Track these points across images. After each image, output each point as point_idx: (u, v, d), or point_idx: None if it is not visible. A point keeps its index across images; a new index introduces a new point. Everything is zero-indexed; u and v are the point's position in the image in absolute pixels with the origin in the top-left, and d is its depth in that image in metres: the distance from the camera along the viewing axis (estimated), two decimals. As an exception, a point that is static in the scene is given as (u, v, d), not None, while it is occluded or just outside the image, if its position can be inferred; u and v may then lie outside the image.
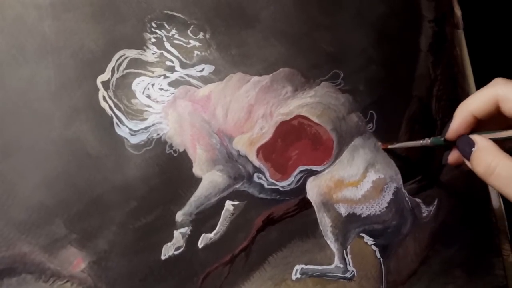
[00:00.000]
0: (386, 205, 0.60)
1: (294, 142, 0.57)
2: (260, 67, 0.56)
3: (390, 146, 0.60)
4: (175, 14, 0.53)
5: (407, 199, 0.62)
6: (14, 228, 0.45)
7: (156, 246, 0.50)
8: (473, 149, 0.45)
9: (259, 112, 0.56)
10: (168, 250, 0.50)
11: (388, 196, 0.61)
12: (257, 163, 0.55)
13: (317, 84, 0.59)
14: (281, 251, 0.55)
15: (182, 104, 0.53)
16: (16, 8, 0.47)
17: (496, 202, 0.67)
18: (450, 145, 0.51)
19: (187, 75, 0.53)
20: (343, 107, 0.60)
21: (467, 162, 0.46)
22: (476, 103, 0.46)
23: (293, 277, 0.55)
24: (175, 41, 0.53)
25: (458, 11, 0.69)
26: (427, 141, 0.55)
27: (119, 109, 0.50)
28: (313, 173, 0.58)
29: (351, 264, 0.58)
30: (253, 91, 0.56)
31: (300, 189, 0.57)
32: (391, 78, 0.63)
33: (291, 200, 0.56)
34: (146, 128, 0.51)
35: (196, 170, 0.52)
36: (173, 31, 0.53)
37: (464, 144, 0.46)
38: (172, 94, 0.53)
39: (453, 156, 0.52)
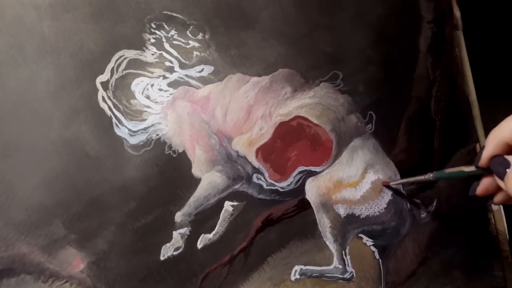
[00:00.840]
0: (385, 206, 0.60)
1: (293, 143, 0.57)
2: (259, 67, 0.56)
3: (392, 183, 0.60)
4: (174, 14, 0.53)
5: (406, 200, 0.62)
6: (13, 228, 0.45)
7: (155, 246, 0.50)
8: (507, 169, 0.42)
9: (258, 113, 0.56)
10: (167, 251, 0.50)
11: (387, 197, 0.61)
12: (256, 163, 0.55)
13: (316, 85, 0.59)
14: (280, 252, 0.55)
15: (181, 105, 0.53)
16: (15, 8, 0.47)
17: (495, 203, 0.67)
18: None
19: (186, 75, 0.53)
20: (342, 108, 0.60)
21: (500, 183, 0.44)
22: (508, 130, 0.43)
23: (292, 278, 0.55)
24: (175, 42, 0.53)
25: (457, 12, 0.69)
26: (429, 176, 0.54)
27: (118, 109, 0.50)
28: (312, 173, 0.58)
29: (350, 264, 0.58)
30: (252, 91, 0.56)
31: (299, 189, 0.57)
32: (390, 78, 0.63)
33: (290, 200, 0.56)
34: (145, 128, 0.51)
35: (195, 171, 0.52)
36: (173, 32, 0.53)
37: (499, 164, 0.44)
38: (171, 94, 0.53)
39: (483, 187, 0.49)
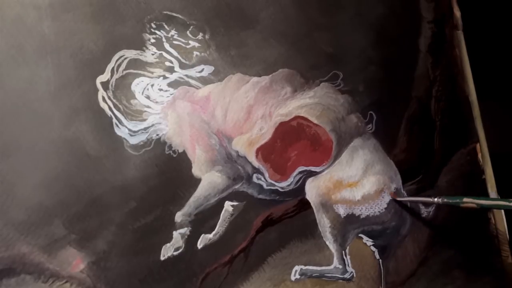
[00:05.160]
0: (385, 206, 0.60)
1: (293, 143, 0.57)
2: (259, 67, 0.56)
3: (398, 199, 0.61)
4: (174, 14, 0.53)
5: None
6: (13, 228, 0.45)
7: (155, 246, 0.50)
8: None
9: (258, 113, 0.56)
10: (167, 251, 0.50)
11: (387, 197, 0.61)
12: (256, 163, 0.55)
13: (316, 85, 0.59)
14: (280, 252, 0.55)
15: (181, 105, 0.53)
16: (16, 8, 0.47)
17: (495, 203, 0.67)
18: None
19: (186, 75, 0.53)
20: (342, 107, 0.60)
21: None
22: None
23: (292, 278, 0.55)
24: (175, 42, 0.53)
25: (457, 12, 0.69)
26: (439, 200, 0.57)
27: (118, 109, 0.50)
28: (312, 174, 0.58)
29: (350, 265, 0.58)
30: (252, 91, 0.56)
31: (299, 189, 0.57)
32: (390, 78, 0.63)
33: (290, 200, 0.56)
34: (145, 128, 0.51)
35: (196, 171, 0.52)
36: (173, 32, 0.53)
37: None
38: (171, 94, 0.53)
39: None
